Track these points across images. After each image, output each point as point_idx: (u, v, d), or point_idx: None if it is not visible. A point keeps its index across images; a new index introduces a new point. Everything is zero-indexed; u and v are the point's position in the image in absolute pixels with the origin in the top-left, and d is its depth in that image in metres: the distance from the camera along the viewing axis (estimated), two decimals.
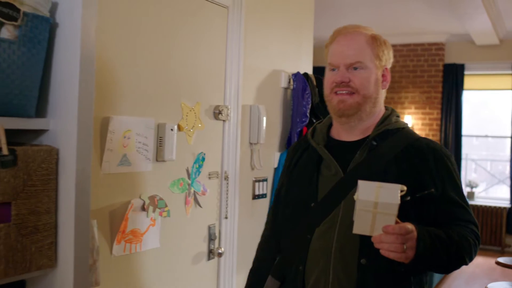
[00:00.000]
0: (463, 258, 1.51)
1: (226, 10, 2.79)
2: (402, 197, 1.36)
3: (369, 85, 1.59)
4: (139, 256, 2.31)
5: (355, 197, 1.38)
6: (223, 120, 2.82)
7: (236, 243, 2.93)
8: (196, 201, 2.64)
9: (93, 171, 1.98)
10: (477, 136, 8.87)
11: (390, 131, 1.61)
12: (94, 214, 2.05)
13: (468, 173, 8.62)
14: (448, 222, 1.54)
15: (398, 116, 1.68)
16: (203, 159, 2.67)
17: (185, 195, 2.56)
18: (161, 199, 2.38)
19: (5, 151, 1.32)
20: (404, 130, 1.64)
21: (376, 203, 1.34)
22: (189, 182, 2.59)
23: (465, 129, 8.07)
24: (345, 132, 1.66)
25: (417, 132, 7.22)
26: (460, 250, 1.49)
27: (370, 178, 1.45)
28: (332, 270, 1.54)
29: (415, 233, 1.39)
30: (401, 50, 8.02)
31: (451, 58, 7.85)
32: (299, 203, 1.66)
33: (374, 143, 1.58)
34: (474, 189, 8.24)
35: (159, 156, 2.37)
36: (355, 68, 1.58)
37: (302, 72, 3.41)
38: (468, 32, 7.12)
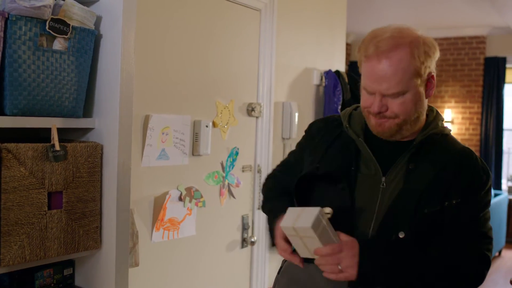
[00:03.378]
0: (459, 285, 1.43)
1: (258, 13, 2.95)
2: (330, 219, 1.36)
3: (410, 109, 1.45)
4: (176, 243, 2.51)
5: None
6: (256, 117, 2.99)
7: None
8: (230, 193, 2.82)
9: (134, 165, 2.19)
10: None
11: (435, 135, 1.52)
12: (135, 203, 2.27)
13: (510, 168, 8.50)
14: (456, 241, 1.45)
15: (442, 120, 1.57)
16: (237, 153, 2.85)
17: (219, 187, 2.75)
18: (197, 190, 2.57)
19: (57, 147, 1.53)
20: (448, 138, 1.56)
21: (295, 229, 1.33)
22: (224, 175, 2.77)
23: (507, 123, 7.96)
24: None
25: (458, 126, 7.03)
26: (446, 276, 1.41)
27: (413, 186, 1.44)
28: None
29: (354, 250, 1.35)
30: (441, 44, 7.96)
31: (493, 51, 7.74)
32: (335, 202, 1.48)
33: (417, 149, 1.50)
34: None
35: (195, 150, 2.56)
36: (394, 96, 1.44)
37: (335, 69, 3.54)
38: (509, 25, 7.03)
